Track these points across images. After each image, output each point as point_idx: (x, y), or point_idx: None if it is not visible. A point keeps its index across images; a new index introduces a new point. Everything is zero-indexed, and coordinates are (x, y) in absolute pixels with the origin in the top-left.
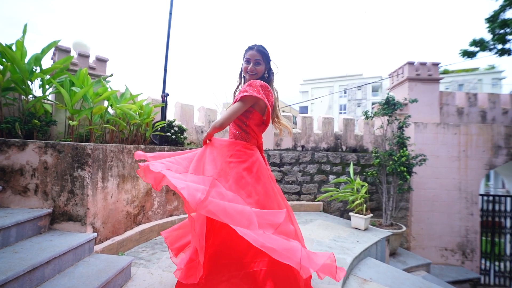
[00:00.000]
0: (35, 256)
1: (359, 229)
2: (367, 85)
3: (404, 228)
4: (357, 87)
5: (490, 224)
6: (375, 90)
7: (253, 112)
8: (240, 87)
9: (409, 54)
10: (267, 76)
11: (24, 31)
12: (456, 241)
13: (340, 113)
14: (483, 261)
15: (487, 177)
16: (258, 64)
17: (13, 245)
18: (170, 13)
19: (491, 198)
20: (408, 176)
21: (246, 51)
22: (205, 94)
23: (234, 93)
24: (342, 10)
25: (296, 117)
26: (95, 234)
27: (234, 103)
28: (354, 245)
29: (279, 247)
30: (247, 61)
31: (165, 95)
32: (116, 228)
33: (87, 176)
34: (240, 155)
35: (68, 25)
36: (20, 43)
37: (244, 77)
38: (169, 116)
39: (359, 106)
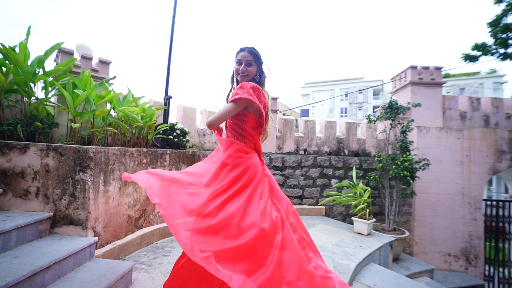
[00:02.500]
0: (35, 261)
1: (362, 234)
2: (368, 89)
3: (407, 233)
4: (359, 90)
5: (494, 230)
6: (376, 93)
7: (248, 115)
8: (232, 91)
9: (410, 58)
10: (258, 78)
11: (28, 33)
12: (459, 246)
13: (341, 116)
14: (487, 267)
15: (490, 182)
16: (250, 65)
17: (13, 250)
18: (174, 16)
19: (494, 203)
20: (411, 181)
21: (238, 52)
22: (207, 97)
23: (227, 98)
24: (343, 13)
25: (298, 120)
26: (96, 238)
27: None
28: (357, 250)
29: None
30: (239, 62)
31: (167, 98)
32: (117, 232)
33: (89, 180)
34: (235, 158)
35: (70, 27)
36: (23, 45)
37: (236, 80)
38: (172, 119)
39: (360, 109)
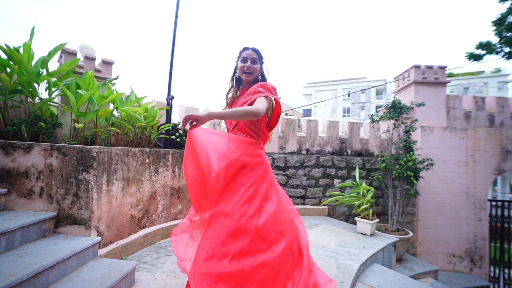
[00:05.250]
0: (39, 260)
1: (365, 234)
2: (371, 88)
3: (410, 234)
4: (361, 90)
5: (499, 230)
6: (379, 93)
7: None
8: (232, 90)
9: (413, 57)
10: (260, 79)
11: (32, 34)
12: (464, 247)
13: (344, 116)
14: (492, 268)
15: (494, 182)
16: (255, 63)
17: (18, 249)
18: (176, 16)
19: (499, 203)
20: (415, 181)
21: (242, 51)
22: (209, 96)
23: (226, 96)
24: (346, 12)
25: (300, 120)
26: (99, 238)
27: (245, 104)
28: (361, 251)
29: None
30: (244, 60)
31: (170, 98)
32: (120, 231)
33: (92, 179)
34: (256, 156)
35: (73, 27)
36: (27, 46)
37: (237, 78)
38: (174, 119)
39: (363, 109)
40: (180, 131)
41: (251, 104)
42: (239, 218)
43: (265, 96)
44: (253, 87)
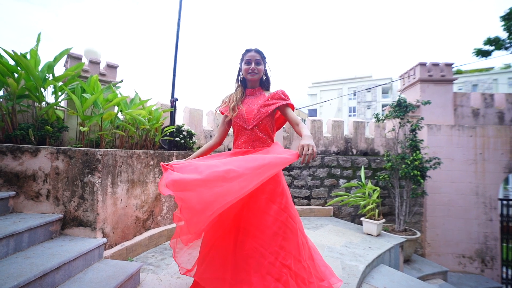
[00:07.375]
0: (46, 262)
1: (371, 235)
2: (377, 87)
3: (418, 234)
4: (367, 89)
5: (511, 230)
6: (385, 92)
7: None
8: (238, 90)
9: (419, 55)
10: (264, 78)
11: (38, 40)
12: (474, 248)
13: (350, 115)
14: (504, 269)
15: (506, 181)
16: (259, 64)
17: (25, 250)
18: (179, 19)
19: (511, 202)
20: (421, 180)
21: (244, 53)
22: (213, 98)
23: (235, 97)
24: (351, 11)
25: (305, 120)
26: (105, 239)
27: (268, 106)
28: (367, 251)
29: None
30: (248, 62)
31: (174, 100)
32: (126, 233)
33: (97, 182)
34: None
35: (78, 31)
36: (34, 52)
37: (241, 80)
38: (178, 121)
39: (368, 108)
40: (184, 133)
41: (274, 109)
42: (286, 219)
43: (289, 105)
44: (276, 93)
